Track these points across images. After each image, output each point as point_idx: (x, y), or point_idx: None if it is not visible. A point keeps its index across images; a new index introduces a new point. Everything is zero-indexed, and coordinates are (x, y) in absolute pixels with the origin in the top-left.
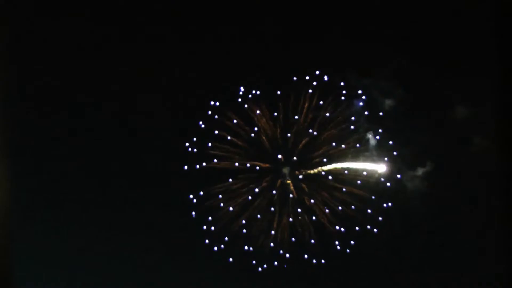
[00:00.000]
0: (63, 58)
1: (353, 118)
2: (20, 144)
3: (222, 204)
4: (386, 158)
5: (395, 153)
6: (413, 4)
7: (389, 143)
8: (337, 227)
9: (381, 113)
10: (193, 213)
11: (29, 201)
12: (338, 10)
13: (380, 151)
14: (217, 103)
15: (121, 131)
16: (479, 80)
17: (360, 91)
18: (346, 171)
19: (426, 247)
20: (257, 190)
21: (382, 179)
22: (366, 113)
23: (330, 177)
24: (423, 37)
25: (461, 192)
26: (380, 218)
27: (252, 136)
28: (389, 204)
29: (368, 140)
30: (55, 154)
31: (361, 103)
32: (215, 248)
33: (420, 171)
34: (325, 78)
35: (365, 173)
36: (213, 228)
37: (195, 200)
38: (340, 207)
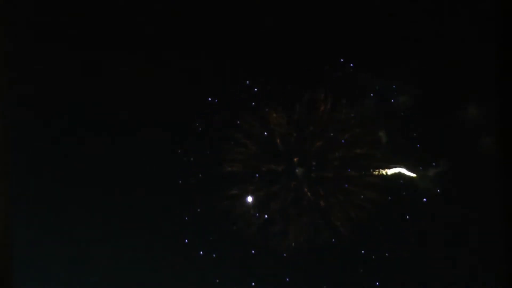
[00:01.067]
0: (63, 58)
1: (370, 118)
2: (21, 143)
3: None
4: (421, 168)
5: (434, 164)
6: (418, 4)
7: (422, 149)
8: (362, 251)
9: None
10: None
11: (30, 201)
12: (349, 9)
13: (412, 158)
14: (227, 103)
15: (125, 131)
16: (485, 79)
17: (376, 91)
18: (375, 181)
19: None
20: (270, 194)
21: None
22: (384, 113)
23: (354, 187)
24: (433, 37)
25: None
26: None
27: (265, 137)
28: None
29: (390, 143)
30: (56, 154)
31: (375, 103)
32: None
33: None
34: (339, 74)
35: (404, 193)
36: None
37: (204, 206)
38: (365, 227)
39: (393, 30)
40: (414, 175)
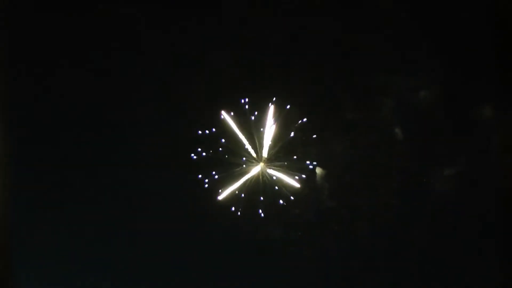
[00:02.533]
0: (64, 59)
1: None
2: (21, 144)
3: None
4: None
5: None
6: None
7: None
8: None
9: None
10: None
11: (30, 201)
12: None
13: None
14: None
15: (125, 131)
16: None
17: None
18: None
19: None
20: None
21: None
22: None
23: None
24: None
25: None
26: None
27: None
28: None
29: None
30: (56, 154)
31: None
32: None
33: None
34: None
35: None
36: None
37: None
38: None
39: (404, 31)
40: (432, 176)
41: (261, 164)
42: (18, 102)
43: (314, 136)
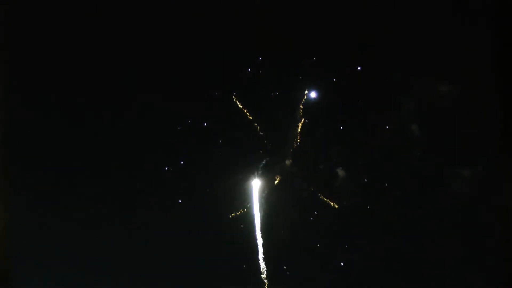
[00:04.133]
0: (63, 59)
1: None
2: (21, 144)
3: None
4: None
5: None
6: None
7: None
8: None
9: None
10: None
11: (30, 201)
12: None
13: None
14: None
15: (122, 131)
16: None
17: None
18: None
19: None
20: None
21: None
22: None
23: None
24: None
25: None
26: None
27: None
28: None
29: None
30: (55, 154)
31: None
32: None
33: None
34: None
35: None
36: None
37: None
38: None
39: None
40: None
41: (287, 163)
42: (17, 102)
43: (387, 127)
